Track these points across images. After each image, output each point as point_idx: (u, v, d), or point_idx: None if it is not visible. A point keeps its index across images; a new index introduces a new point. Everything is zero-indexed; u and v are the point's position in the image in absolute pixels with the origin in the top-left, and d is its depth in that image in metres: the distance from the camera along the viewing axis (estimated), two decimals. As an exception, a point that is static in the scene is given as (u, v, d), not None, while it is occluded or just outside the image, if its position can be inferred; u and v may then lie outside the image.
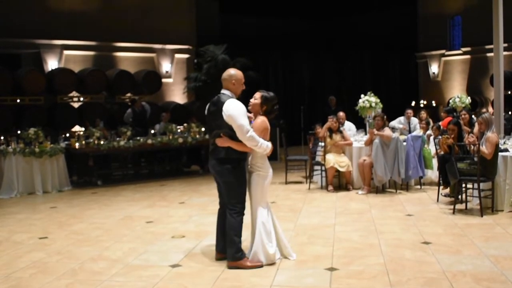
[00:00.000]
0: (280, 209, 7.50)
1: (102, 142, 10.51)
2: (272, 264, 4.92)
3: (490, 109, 15.72)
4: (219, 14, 18.82)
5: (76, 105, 14.05)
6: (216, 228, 5.19)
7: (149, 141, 11.11)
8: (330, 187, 9.07)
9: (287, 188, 9.72)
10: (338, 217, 6.99)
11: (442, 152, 7.85)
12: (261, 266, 4.87)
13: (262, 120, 4.98)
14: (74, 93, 13.92)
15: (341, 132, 9.30)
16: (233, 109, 4.75)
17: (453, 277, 4.46)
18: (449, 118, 9.31)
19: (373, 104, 9.92)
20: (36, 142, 9.84)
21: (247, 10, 19.97)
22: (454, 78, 19.00)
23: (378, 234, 6.01)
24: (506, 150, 7.16)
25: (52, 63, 14.25)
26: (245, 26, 19.68)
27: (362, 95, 10.10)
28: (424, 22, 19.44)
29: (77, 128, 13.17)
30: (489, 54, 16.63)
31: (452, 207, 7.10)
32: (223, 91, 4.99)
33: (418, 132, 9.86)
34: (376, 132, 8.63)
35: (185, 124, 12.49)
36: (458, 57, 18.84)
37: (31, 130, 9.88)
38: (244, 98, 5.01)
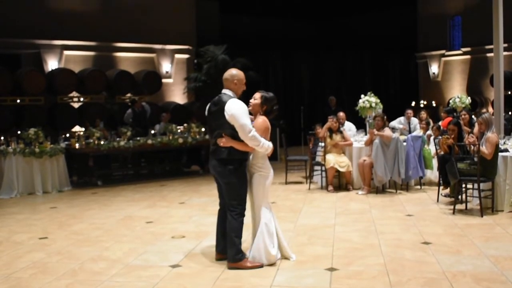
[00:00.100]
0: (280, 210, 7.50)
1: (102, 142, 10.51)
2: (272, 264, 4.92)
3: (490, 109, 15.75)
4: (219, 14, 18.82)
5: (76, 105, 14.06)
6: (216, 229, 5.18)
7: (149, 142, 11.11)
8: (330, 187, 9.07)
9: (287, 188, 9.72)
10: (338, 217, 6.99)
11: (442, 152, 7.85)
12: (261, 267, 4.87)
13: (263, 119, 4.98)
14: (74, 93, 13.92)
15: (341, 132, 9.30)
16: (235, 109, 4.74)
17: (453, 277, 4.46)
18: (449, 118, 9.31)
19: (373, 104, 9.92)
20: (36, 142, 9.84)
21: (247, 10, 19.98)
22: (454, 78, 19.00)
23: (378, 234, 6.01)
24: (506, 150, 7.16)
25: (52, 63, 14.26)
26: (245, 27, 19.69)
27: (362, 95, 10.10)
28: (424, 22, 19.44)
29: (77, 128, 13.18)
30: (489, 54, 16.63)
31: (452, 207, 7.10)
32: (224, 91, 4.98)
33: (418, 132, 9.86)
34: (376, 132, 8.63)
35: (185, 125, 12.49)
36: (458, 57, 18.85)
37: (31, 130, 9.88)
38: (244, 98, 5.00)
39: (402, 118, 11.26)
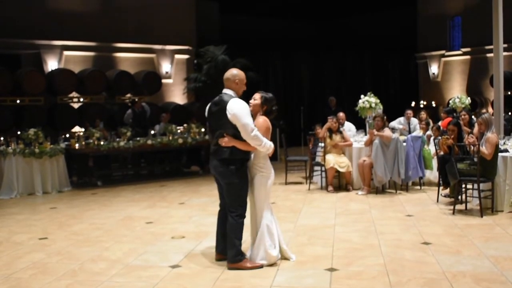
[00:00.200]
0: (280, 210, 7.50)
1: (102, 143, 10.51)
2: (273, 265, 4.92)
3: (490, 110, 15.75)
4: (219, 14, 18.82)
5: (76, 105, 14.06)
6: (216, 229, 5.18)
7: (149, 142, 11.11)
8: (330, 188, 9.07)
9: (287, 188, 9.72)
10: (338, 218, 6.99)
11: (441, 153, 7.85)
12: (261, 267, 4.87)
13: (264, 119, 4.99)
14: (74, 94, 13.92)
15: (341, 132, 9.31)
16: (237, 108, 4.74)
17: (453, 278, 4.46)
18: (449, 119, 9.32)
19: (373, 105, 9.92)
20: (36, 142, 9.84)
21: (247, 11, 19.99)
22: (454, 78, 19.00)
23: (378, 234, 6.01)
24: (506, 150, 7.16)
25: (52, 64, 14.26)
26: (245, 27, 19.70)
27: (362, 96, 10.10)
28: (424, 22, 19.44)
29: (77, 128, 13.19)
30: (489, 55, 16.64)
31: (452, 207, 7.10)
32: (225, 90, 4.96)
33: (418, 132, 9.86)
34: (376, 132, 8.63)
35: (185, 125, 12.50)
36: (458, 58, 18.85)
37: (31, 131, 9.88)
38: (244, 99, 4.99)
39: (402, 119, 11.27)
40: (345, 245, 5.60)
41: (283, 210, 7.60)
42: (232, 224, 4.87)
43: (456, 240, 5.65)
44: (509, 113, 14.04)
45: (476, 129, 7.68)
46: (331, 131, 9.24)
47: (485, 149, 6.72)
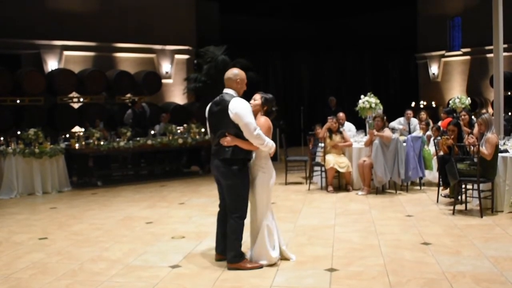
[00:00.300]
0: (280, 210, 7.50)
1: (102, 143, 10.51)
2: (272, 265, 4.92)
3: (490, 110, 15.75)
4: (219, 14, 18.83)
5: (76, 105, 14.06)
6: (216, 230, 5.17)
7: (149, 142, 11.11)
8: (330, 188, 9.07)
9: (287, 189, 9.72)
10: (338, 218, 6.99)
11: (441, 153, 7.85)
12: (261, 267, 4.87)
13: (265, 119, 4.99)
14: (74, 94, 13.92)
15: (341, 132, 9.31)
16: (240, 107, 4.73)
17: (453, 278, 4.46)
18: (449, 119, 9.32)
19: (373, 105, 9.92)
20: (36, 142, 9.84)
21: (247, 11, 19.99)
22: (454, 79, 19.00)
23: (378, 235, 6.01)
24: (506, 151, 7.16)
25: (52, 64, 14.26)
26: (245, 27, 19.70)
27: (362, 96, 10.10)
28: (424, 23, 19.44)
29: (77, 128, 13.19)
30: (489, 55, 16.64)
31: (452, 207, 7.10)
32: (226, 90, 4.95)
33: (418, 133, 9.86)
34: (376, 133, 8.64)
35: (185, 125, 12.50)
36: (458, 58, 18.85)
37: (31, 131, 9.88)
38: (244, 99, 4.99)
39: (402, 119, 11.27)
40: (345, 245, 5.60)
41: (283, 210, 7.60)
42: (233, 224, 4.86)
43: (456, 241, 5.65)
44: (509, 114, 14.04)
45: (476, 129, 7.68)
46: (331, 131, 9.24)
47: (485, 150, 6.72)
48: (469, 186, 7.15)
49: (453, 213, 6.95)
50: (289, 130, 15.50)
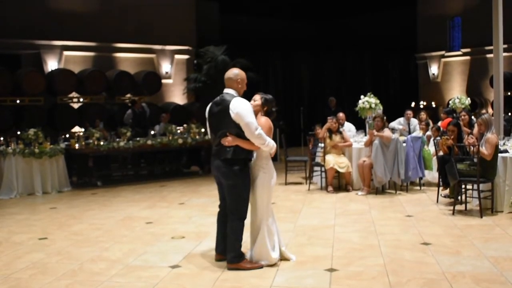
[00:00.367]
0: (280, 210, 7.50)
1: (101, 143, 10.51)
2: (273, 265, 4.92)
3: (490, 110, 15.75)
4: (219, 14, 18.83)
5: (76, 106, 14.06)
6: (217, 230, 5.16)
7: (149, 142, 11.11)
8: (330, 188, 9.07)
9: (286, 189, 9.72)
10: (338, 218, 6.99)
11: (441, 153, 7.85)
12: (261, 268, 4.87)
13: (266, 119, 5.00)
14: (74, 94, 13.93)
15: (340, 133, 9.31)
16: (241, 107, 4.72)
17: (453, 278, 4.46)
18: (449, 119, 9.32)
19: (373, 105, 9.92)
20: (36, 142, 9.84)
21: (247, 11, 19.99)
22: (454, 79, 19.01)
23: (377, 235, 6.01)
24: (505, 151, 7.16)
25: (52, 64, 14.26)
26: (245, 27, 19.71)
27: (362, 96, 10.11)
28: (424, 23, 19.45)
29: (77, 128, 13.19)
30: (488, 55, 16.64)
31: (451, 208, 7.10)
32: (226, 90, 4.94)
33: (418, 133, 9.86)
34: (375, 133, 8.64)
35: (185, 125, 12.50)
36: (458, 58, 18.86)
37: (31, 131, 9.88)
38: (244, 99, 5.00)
39: (401, 119, 11.26)
40: (345, 245, 5.60)
41: (283, 210, 7.60)
42: (233, 225, 4.86)
43: (456, 241, 5.65)
44: (509, 114, 14.04)
45: (476, 129, 7.68)
46: (331, 131, 9.24)
47: (485, 150, 6.72)
48: (469, 186, 7.15)
49: (453, 213, 6.95)
50: (289, 130, 15.51)
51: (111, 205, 8.47)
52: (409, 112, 11.28)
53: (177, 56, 16.38)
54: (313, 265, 4.94)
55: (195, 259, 5.27)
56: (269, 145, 4.82)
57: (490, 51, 11.20)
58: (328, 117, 9.49)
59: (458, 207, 7.10)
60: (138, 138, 11.25)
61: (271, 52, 19.29)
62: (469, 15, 18.05)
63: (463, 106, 11.60)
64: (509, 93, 16.06)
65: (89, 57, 14.87)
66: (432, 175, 9.35)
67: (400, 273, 4.65)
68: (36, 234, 6.53)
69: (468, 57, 18.54)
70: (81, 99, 14.10)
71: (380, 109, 9.96)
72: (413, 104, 18.46)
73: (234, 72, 4.97)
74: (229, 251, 4.88)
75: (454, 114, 10.72)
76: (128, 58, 15.53)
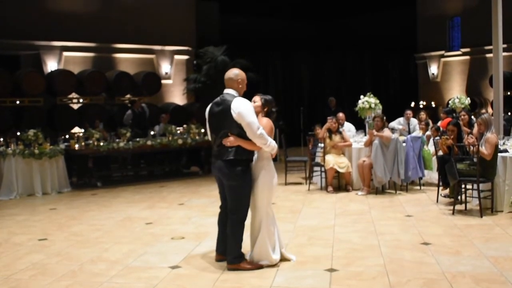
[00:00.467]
0: (280, 210, 7.50)
1: (101, 144, 10.51)
2: (273, 266, 4.92)
3: (490, 110, 15.75)
4: (219, 15, 18.83)
5: (75, 106, 14.05)
6: (218, 231, 5.15)
7: (149, 143, 11.11)
8: (330, 188, 9.07)
9: (286, 189, 9.72)
10: (338, 218, 6.99)
11: (440, 152, 7.85)
12: (261, 268, 4.86)
13: (267, 120, 5.00)
14: (73, 95, 13.92)
15: (340, 133, 9.31)
16: (243, 107, 4.71)
17: (453, 278, 4.46)
18: (449, 119, 9.32)
19: (373, 105, 9.92)
20: (36, 143, 9.84)
21: (246, 11, 20.00)
22: (454, 79, 19.01)
23: (377, 235, 6.01)
24: (505, 151, 7.16)
25: (51, 65, 14.25)
26: (245, 27, 19.71)
27: (362, 96, 10.10)
28: (424, 23, 19.45)
29: (76, 129, 13.16)
30: (488, 55, 16.63)
31: (451, 207, 7.10)
32: (227, 90, 4.92)
33: (418, 133, 9.87)
34: (375, 133, 8.64)
35: (184, 126, 12.49)
36: (458, 58, 18.86)
37: (31, 132, 9.87)
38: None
39: (401, 119, 11.27)
40: (345, 245, 5.60)
41: (283, 210, 7.60)
42: (234, 226, 4.85)
43: (456, 241, 5.65)
44: (509, 113, 14.04)
45: (475, 129, 7.68)
46: (330, 131, 9.24)
47: (484, 150, 6.72)
48: (469, 186, 7.15)
49: (453, 213, 6.95)
50: (289, 130, 15.51)
51: (111, 206, 8.47)
52: (409, 112, 11.29)
53: (176, 57, 16.37)
54: (313, 265, 4.94)
55: (195, 259, 5.26)
56: (271, 145, 4.81)
57: (490, 51, 11.20)
58: (328, 117, 9.49)
59: (458, 207, 7.10)
60: (137, 139, 11.24)
61: (271, 52, 19.28)
62: (468, 15, 18.06)
63: (462, 106, 11.60)
64: (508, 93, 16.06)
65: (88, 58, 14.87)
66: (430, 175, 9.35)
67: (400, 273, 4.65)
68: (36, 235, 6.53)
69: (467, 57, 18.54)
70: (81, 100, 14.09)
71: (379, 109, 9.95)
72: (412, 104, 18.47)
73: (235, 72, 4.96)
74: (229, 251, 4.88)
75: (454, 114, 10.72)
76: (127, 58, 15.52)
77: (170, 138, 11.41)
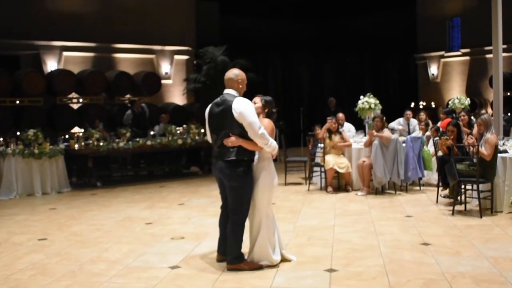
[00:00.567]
0: (280, 210, 7.50)
1: (101, 144, 10.51)
2: (272, 266, 4.92)
3: (489, 111, 15.75)
4: (218, 15, 18.83)
5: (75, 106, 14.05)
6: (219, 231, 5.14)
7: (149, 143, 11.10)
8: (330, 189, 9.07)
9: (286, 189, 9.72)
10: (338, 218, 6.99)
11: (440, 153, 7.85)
12: (260, 268, 4.86)
13: (268, 121, 5.01)
14: (73, 95, 13.92)
15: (340, 133, 9.32)
16: (244, 107, 4.70)
17: (452, 278, 4.46)
18: (448, 120, 9.32)
19: (373, 106, 9.92)
20: (36, 143, 9.83)
21: (246, 11, 20.00)
22: (453, 79, 19.01)
23: (377, 235, 6.01)
24: (505, 151, 7.16)
25: (51, 65, 14.25)
26: (245, 27, 19.70)
27: (362, 96, 10.11)
28: (424, 23, 19.46)
29: (76, 129, 13.17)
30: (488, 56, 16.63)
31: (451, 208, 7.10)
32: (227, 91, 4.91)
33: (417, 133, 9.87)
34: (375, 133, 8.64)
35: (184, 126, 12.49)
36: (457, 59, 18.86)
37: (31, 132, 9.87)
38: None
39: (401, 119, 11.27)
40: (345, 245, 5.60)
41: (283, 210, 7.60)
42: (234, 225, 4.85)
43: (456, 241, 5.65)
44: (509, 114, 14.04)
45: (475, 130, 7.68)
46: (330, 131, 9.24)
47: (484, 150, 6.72)
48: (469, 187, 7.15)
49: (453, 214, 6.95)
50: (289, 130, 15.50)
51: (110, 206, 8.47)
52: (409, 113, 11.29)
53: (176, 57, 16.37)
54: (312, 266, 4.94)
55: (194, 259, 5.26)
56: (272, 145, 4.81)
57: (490, 52, 11.20)
58: (328, 118, 9.49)
59: (457, 207, 7.10)
60: (137, 139, 11.24)
61: (271, 53, 19.28)
62: (468, 15, 18.06)
63: (462, 107, 11.60)
64: (508, 93, 16.06)
65: (88, 58, 14.87)
66: (430, 175, 9.35)
67: (399, 273, 4.65)
68: (36, 235, 6.52)
69: (467, 58, 18.55)
70: (81, 100, 14.08)
71: (379, 110, 9.95)
72: (412, 104, 18.47)
73: (235, 73, 4.96)
74: (229, 252, 4.87)
75: (454, 115, 10.71)
76: (127, 58, 15.52)
77: (170, 138, 11.41)
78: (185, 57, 16.56)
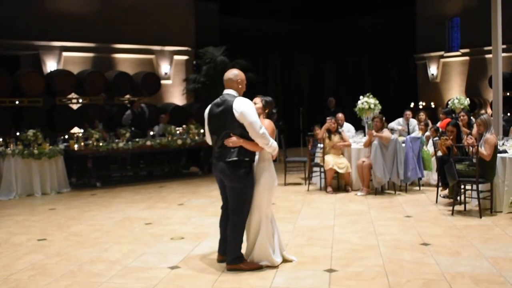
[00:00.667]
0: (279, 211, 7.50)
1: (101, 144, 10.50)
2: (272, 266, 4.92)
3: (489, 111, 15.75)
4: (218, 15, 18.83)
5: (75, 106, 14.04)
6: (220, 231, 5.14)
7: (148, 143, 11.10)
8: (329, 189, 9.07)
9: (286, 189, 9.72)
10: (337, 219, 6.99)
11: (439, 153, 7.86)
12: (260, 268, 4.86)
13: (269, 121, 5.02)
14: (73, 95, 13.90)
15: (339, 133, 9.32)
16: (245, 106, 4.70)
17: (452, 279, 4.46)
18: (448, 120, 9.33)
19: (372, 106, 9.92)
20: (35, 143, 9.83)
21: (246, 12, 20.00)
22: (453, 79, 19.02)
23: (377, 235, 6.01)
24: (504, 151, 7.17)
25: (51, 65, 14.24)
26: (245, 28, 19.70)
27: (361, 97, 10.11)
28: (423, 23, 19.46)
29: (76, 129, 13.16)
30: (487, 56, 16.63)
31: (451, 208, 7.10)
32: (227, 91, 4.90)
33: (417, 133, 9.87)
34: (375, 133, 8.64)
35: (184, 126, 12.48)
36: (457, 59, 18.86)
37: (30, 132, 9.86)
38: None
39: (401, 119, 11.27)
40: (344, 246, 5.61)
41: (282, 211, 7.60)
42: (234, 226, 4.85)
43: (455, 241, 5.65)
44: (508, 114, 14.05)
45: (475, 130, 7.68)
46: (330, 132, 9.25)
47: (484, 150, 6.73)
48: (468, 187, 7.16)
49: (452, 214, 6.95)
50: (289, 131, 15.50)
51: (110, 206, 8.47)
52: (408, 113, 11.29)
53: (176, 57, 16.37)
54: (312, 266, 4.94)
55: (194, 260, 5.26)
56: (272, 146, 4.81)
57: (489, 52, 11.20)
58: (327, 118, 9.50)
59: (457, 207, 7.11)
60: (137, 139, 11.24)
61: (270, 53, 19.27)
62: (468, 15, 18.06)
63: (462, 107, 11.59)
64: (508, 94, 16.05)
65: (88, 58, 14.86)
66: (430, 175, 9.35)
67: (399, 273, 4.65)
68: (35, 235, 6.52)
69: (467, 58, 18.55)
70: (80, 100, 14.07)
71: (379, 110, 9.95)
72: (412, 104, 18.47)
73: (234, 73, 4.95)
74: (229, 252, 4.87)
75: (453, 115, 10.72)
76: (127, 59, 15.52)
77: (169, 138, 11.41)
78: (185, 57, 16.55)
